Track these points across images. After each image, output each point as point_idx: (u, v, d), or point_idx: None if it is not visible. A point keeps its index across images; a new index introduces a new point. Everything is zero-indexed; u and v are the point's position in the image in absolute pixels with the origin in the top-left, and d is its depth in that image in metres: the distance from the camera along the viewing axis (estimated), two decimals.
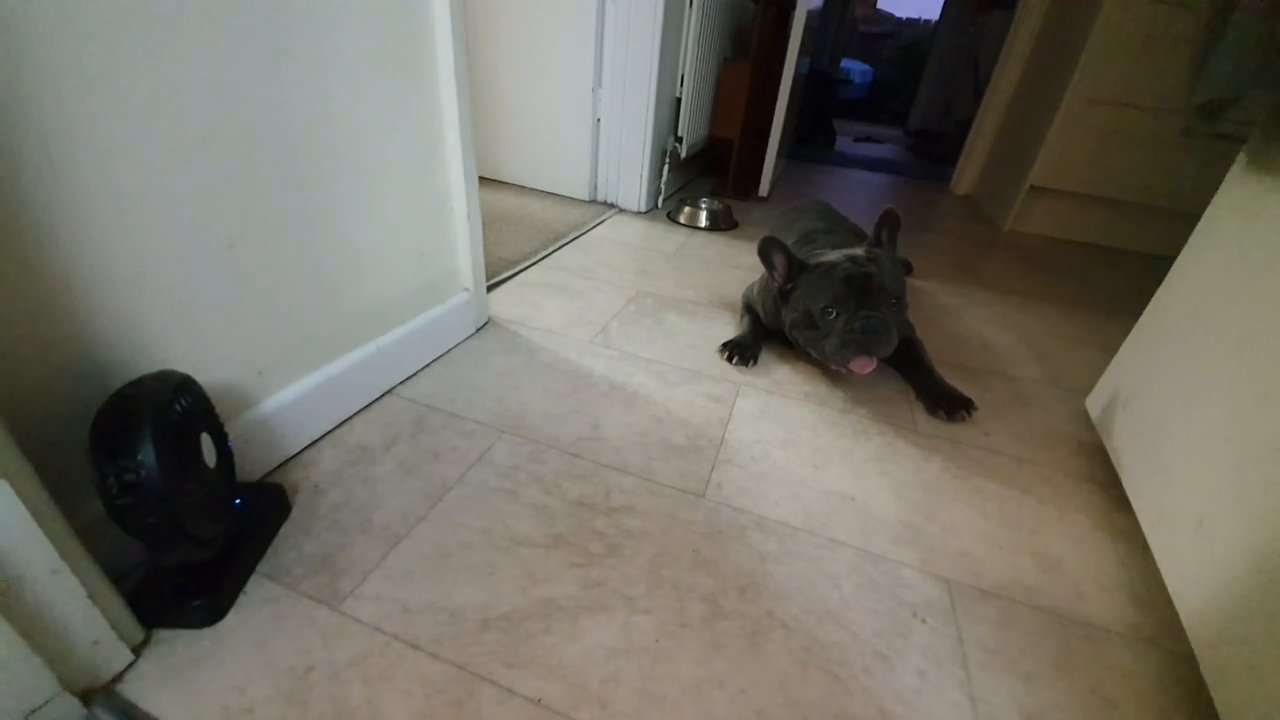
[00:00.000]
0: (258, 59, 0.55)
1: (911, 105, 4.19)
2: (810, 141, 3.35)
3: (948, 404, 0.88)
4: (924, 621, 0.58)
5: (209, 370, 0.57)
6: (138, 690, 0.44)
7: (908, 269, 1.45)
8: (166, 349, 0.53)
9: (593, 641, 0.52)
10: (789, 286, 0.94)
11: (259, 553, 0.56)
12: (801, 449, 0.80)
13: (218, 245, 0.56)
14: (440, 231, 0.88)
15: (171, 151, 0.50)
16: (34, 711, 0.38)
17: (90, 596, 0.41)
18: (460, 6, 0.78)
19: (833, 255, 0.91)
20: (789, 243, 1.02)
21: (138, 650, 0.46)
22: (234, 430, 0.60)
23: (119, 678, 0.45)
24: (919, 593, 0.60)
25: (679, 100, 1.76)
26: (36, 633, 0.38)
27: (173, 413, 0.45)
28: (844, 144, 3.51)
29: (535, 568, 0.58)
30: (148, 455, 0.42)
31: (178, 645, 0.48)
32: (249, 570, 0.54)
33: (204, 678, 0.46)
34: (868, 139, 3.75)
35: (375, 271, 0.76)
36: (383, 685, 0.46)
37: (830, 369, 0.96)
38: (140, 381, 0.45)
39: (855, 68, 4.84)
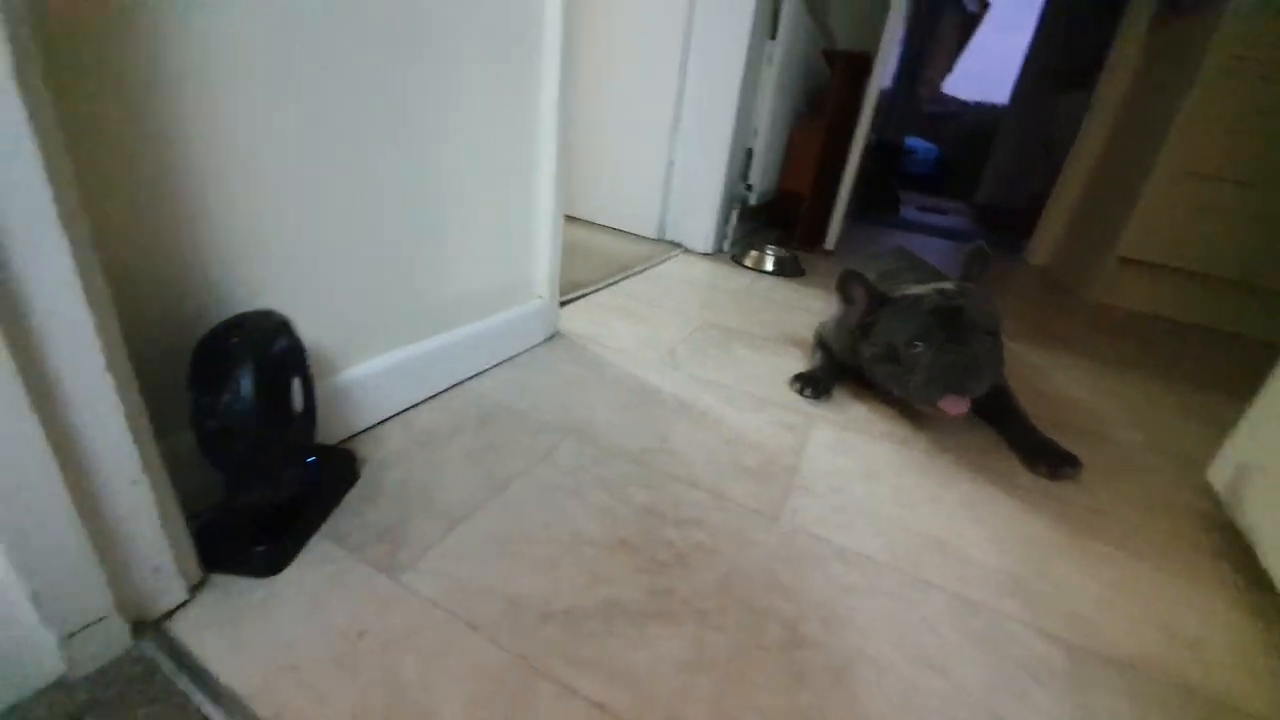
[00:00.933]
0: (386, 54, 0.59)
1: (978, 181, 4.18)
2: (875, 207, 3.36)
3: (1049, 459, 0.80)
4: (1041, 684, 0.49)
5: (301, 328, 0.58)
6: (187, 630, 0.42)
7: None
8: (268, 296, 0.54)
9: (662, 651, 0.46)
10: (869, 320, 0.90)
11: (324, 514, 0.54)
12: (883, 485, 0.73)
13: (328, 209, 0.58)
14: (524, 237, 0.90)
15: (301, 118, 0.53)
16: (86, 627, 0.36)
17: (163, 519, 0.40)
18: (570, 29, 0.83)
19: (919, 288, 0.87)
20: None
21: (194, 590, 0.45)
22: (317, 393, 0.60)
23: (170, 614, 0.42)
24: (1031, 651, 0.52)
25: (750, 151, 1.81)
26: (106, 546, 0.36)
27: (273, 350, 0.45)
28: (909, 211, 3.50)
29: (599, 567, 0.54)
30: (245, 385, 0.42)
31: (233, 592, 0.46)
32: (313, 528, 0.52)
33: (254, 628, 0.43)
34: (933, 209, 3.74)
35: (460, 264, 0.78)
36: (436, 662, 0.42)
37: (915, 410, 0.90)
38: (245, 315, 0.46)
39: (920, 145, 4.91)
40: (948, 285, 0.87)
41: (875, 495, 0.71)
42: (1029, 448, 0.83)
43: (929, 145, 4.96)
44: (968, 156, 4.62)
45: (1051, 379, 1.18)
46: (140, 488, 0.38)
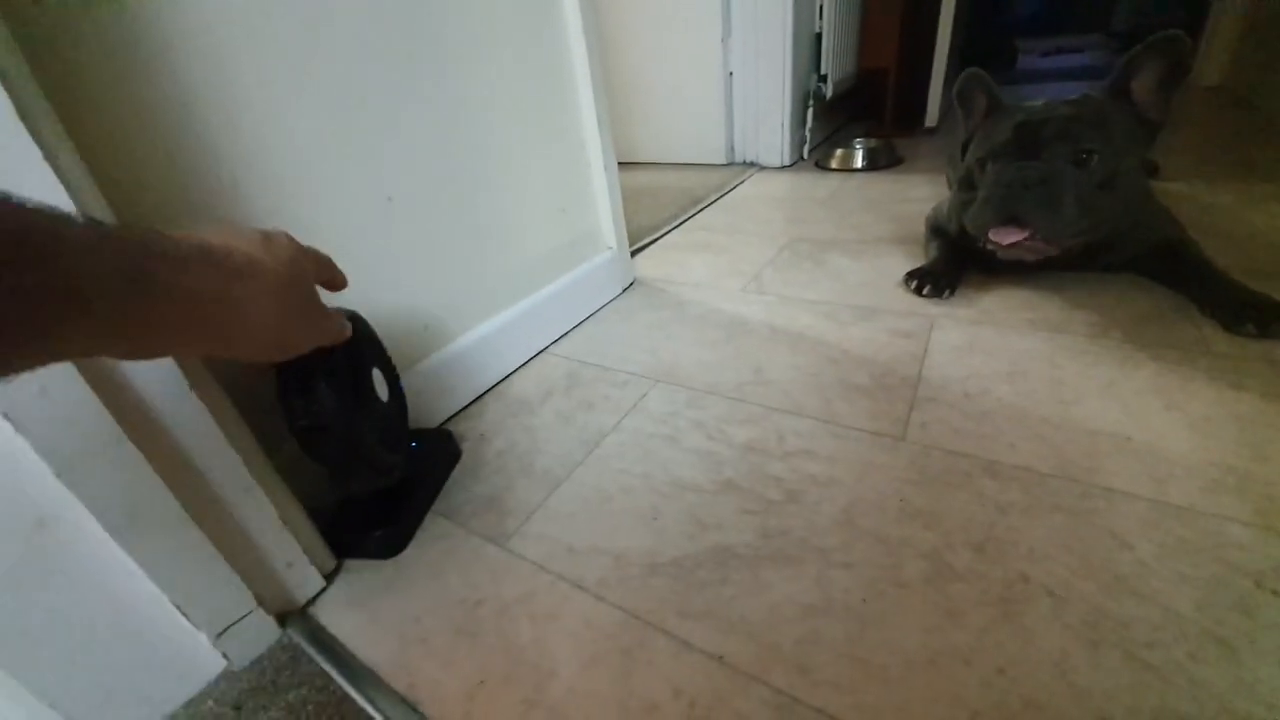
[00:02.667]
0: (408, 29, 0.55)
1: (1112, 3, 3.39)
2: (985, 64, 2.87)
3: (1258, 314, 0.63)
4: (1275, 593, 0.39)
5: (377, 321, 0.59)
6: (328, 614, 0.45)
7: (1152, 170, 1.12)
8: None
9: (780, 595, 0.43)
10: (971, 138, 0.76)
11: (434, 493, 0.56)
12: (1036, 382, 0.62)
13: (377, 197, 0.57)
14: (578, 187, 0.85)
15: (336, 105, 0.51)
16: (233, 625, 0.40)
17: (283, 519, 0.42)
18: None
19: (1037, 103, 0.71)
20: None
21: (330, 577, 0.48)
22: (406, 382, 0.61)
23: (312, 602, 0.46)
24: (1261, 556, 0.41)
25: (818, 36, 1.58)
26: (230, 548, 0.39)
27: (351, 344, 0.45)
28: (1027, 60, 2.95)
29: (704, 513, 0.50)
30: (321, 384, 0.42)
31: (365, 574, 0.49)
32: (426, 508, 0.54)
33: (385, 606, 0.45)
34: (1058, 50, 3.12)
35: (521, 229, 0.76)
36: (550, 624, 0.42)
37: (1053, 286, 0.75)
38: None
39: None
40: (1074, 98, 0.69)
41: (1027, 395, 0.60)
42: (1227, 304, 0.66)
43: None
44: None
45: (1244, 219, 0.93)
46: (254, 494, 0.40)
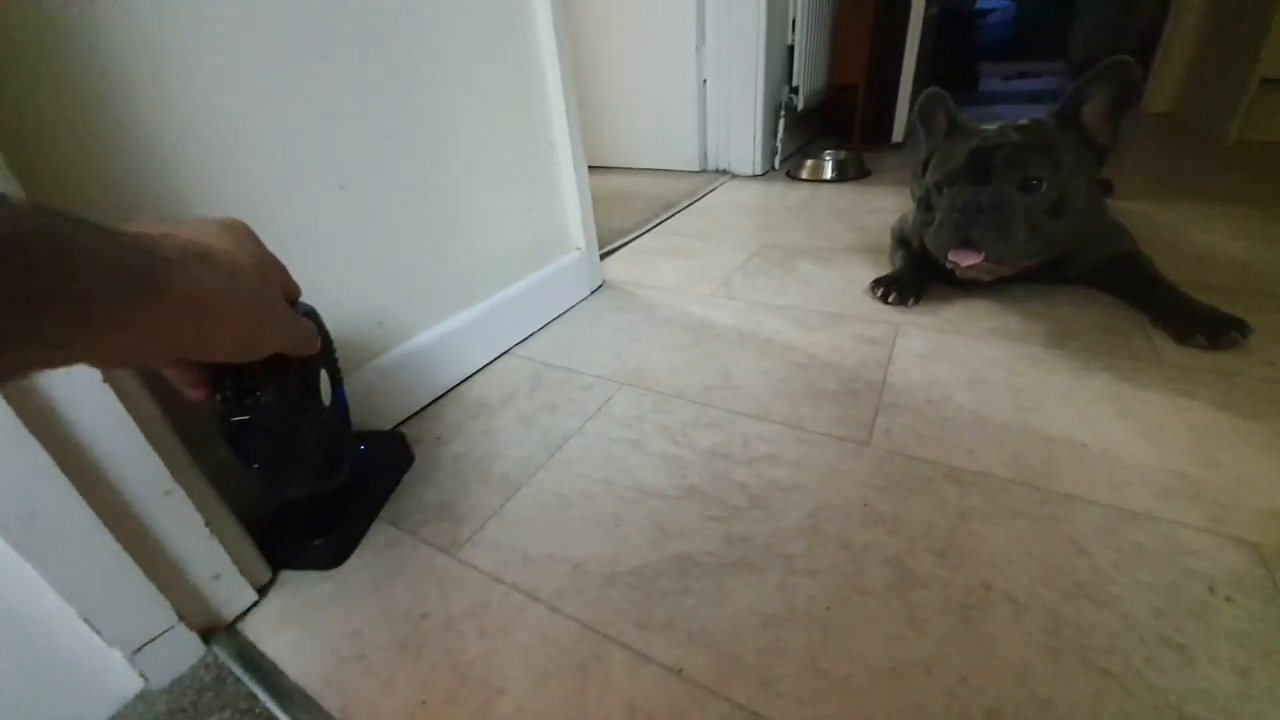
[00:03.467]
0: (371, 9, 0.53)
1: (1069, 33, 3.55)
2: (950, 86, 2.96)
3: (1208, 326, 0.65)
4: (1229, 600, 0.39)
5: (329, 315, 0.55)
6: (258, 631, 0.42)
7: (1105, 189, 1.16)
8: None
9: (742, 604, 0.41)
10: (928, 158, 0.78)
11: (382, 499, 0.53)
12: (996, 390, 0.62)
13: (328, 183, 0.54)
14: (546, 185, 0.84)
15: (291, 87, 0.49)
16: (150, 642, 0.36)
17: (209, 525, 0.39)
18: None
19: (992, 125, 0.73)
20: None
21: (264, 590, 0.45)
22: (358, 380, 0.59)
23: (242, 617, 0.43)
24: (1214, 562, 0.42)
25: (791, 48, 1.61)
26: (148, 557, 0.36)
27: None
28: (989, 84, 3.06)
29: (666, 520, 0.49)
30: (261, 376, 0.39)
31: (303, 586, 0.45)
32: (372, 515, 0.51)
33: (322, 621, 0.42)
34: (1020, 75, 3.25)
35: (485, 225, 0.73)
36: (500, 638, 0.40)
37: (1014, 297, 0.76)
38: None
39: (992, 4, 4.23)
40: (1024, 122, 0.71)
41: (988, 402, 0.60)
42: (1178, 317, 0.68)
43: (1004, 2, 4.27)
44: (1053, 6, 3.93)
45: (1192, 236, 0.97)
46: (175, 498, 0.37)
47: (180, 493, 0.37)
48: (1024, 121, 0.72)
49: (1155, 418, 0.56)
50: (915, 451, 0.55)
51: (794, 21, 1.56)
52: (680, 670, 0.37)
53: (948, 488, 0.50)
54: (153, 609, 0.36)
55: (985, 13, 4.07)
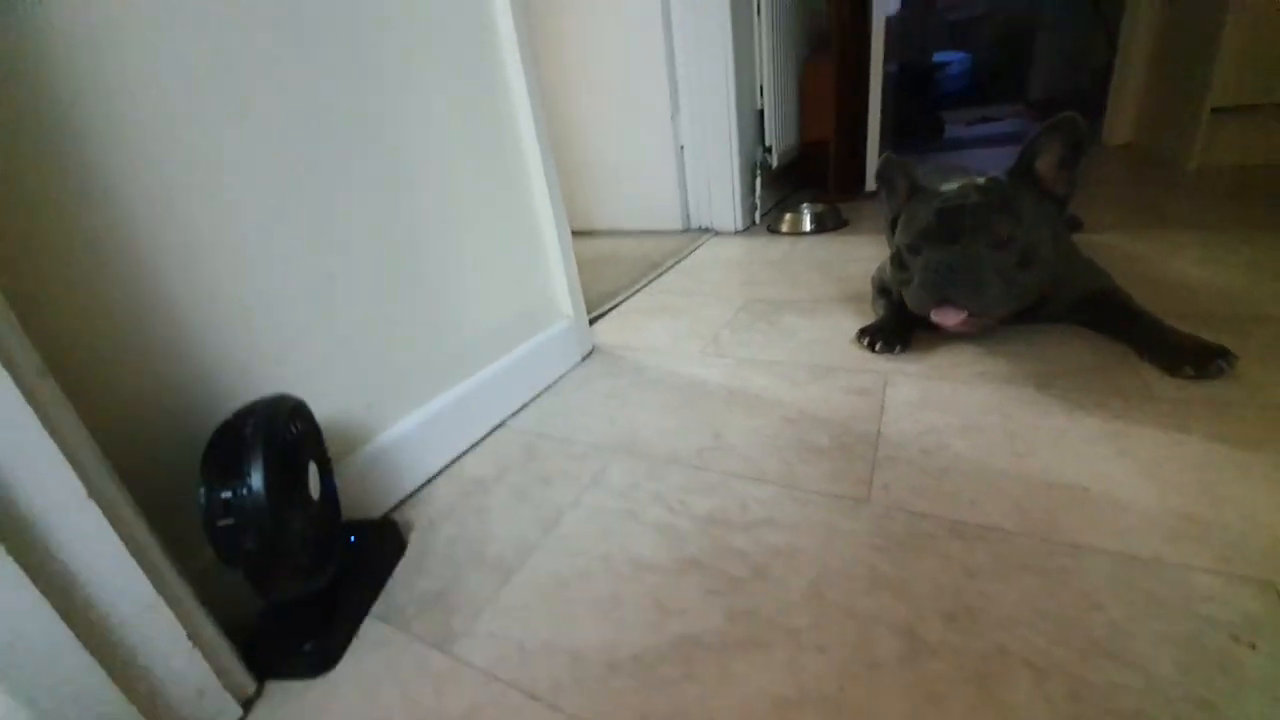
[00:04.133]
0: (352, 103, 0.56)
1: (1026, 77, 3.76)
2: (917, 136, 3.10)
3: (1195, 356, 0.65)
4: (1252, 647, 0.38)
5: (317, 402, 0.55)
6: None
7: (1075, 225, 1.20)
8: (275, 381, 0.53)
9: (751, 689, 0.39)
10: (897, 218, 0.80)
11: (373, 593, 0.51)
12: (991, 435, 0.62)
13: (319, 275, 0.56)
14: (532, 256, 0.86)
15: (272, 182, 0.51)
16: None
17: (192, 638, 0.38)
18: (525, 37, 0.78)
19: (953, 183, 0.76)
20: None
21: (248, 704, 0.42)
22: (350, 466, 0.58)
23: None
24: (1230, 606, 0.40)
25: (761, 112, 1.69)
26: (129, 676, 0.34)
27: (285, 435, 0.43)
28: (955, 130, 3.21)
29: (666, 597, 0.47)
30: (255, 476, 0.39)
31: (290, 696, 0.43)
32: (363, 613, 0.49)
33: None
34: (983, 120, 3.41)
35: (472, 302, 0.75)
36: None
37: (1003, 341, 0.77)
38: (257, 402, 0.44)
39: (949, 58, 4.50)
40: (981, 181, 0.74)
41: (984, 449, 0.60)
42: (1164, 348, 0.69)
43: (960, 55, 4.54)
44: (1008, 54, 4.18)
45: (1166, 266, 0.99)
46: (157, 611, 0.36)
47: (163, 605, 0.36)
48: (982, 180, 0.75)
49: (1153, 454, 0.56)
50: (916, 506, 0.54)
51: (761, 87, 1.66)
52: None
53: (952, 544, 0.49)
54: None
55: (943, 65, 4.31)
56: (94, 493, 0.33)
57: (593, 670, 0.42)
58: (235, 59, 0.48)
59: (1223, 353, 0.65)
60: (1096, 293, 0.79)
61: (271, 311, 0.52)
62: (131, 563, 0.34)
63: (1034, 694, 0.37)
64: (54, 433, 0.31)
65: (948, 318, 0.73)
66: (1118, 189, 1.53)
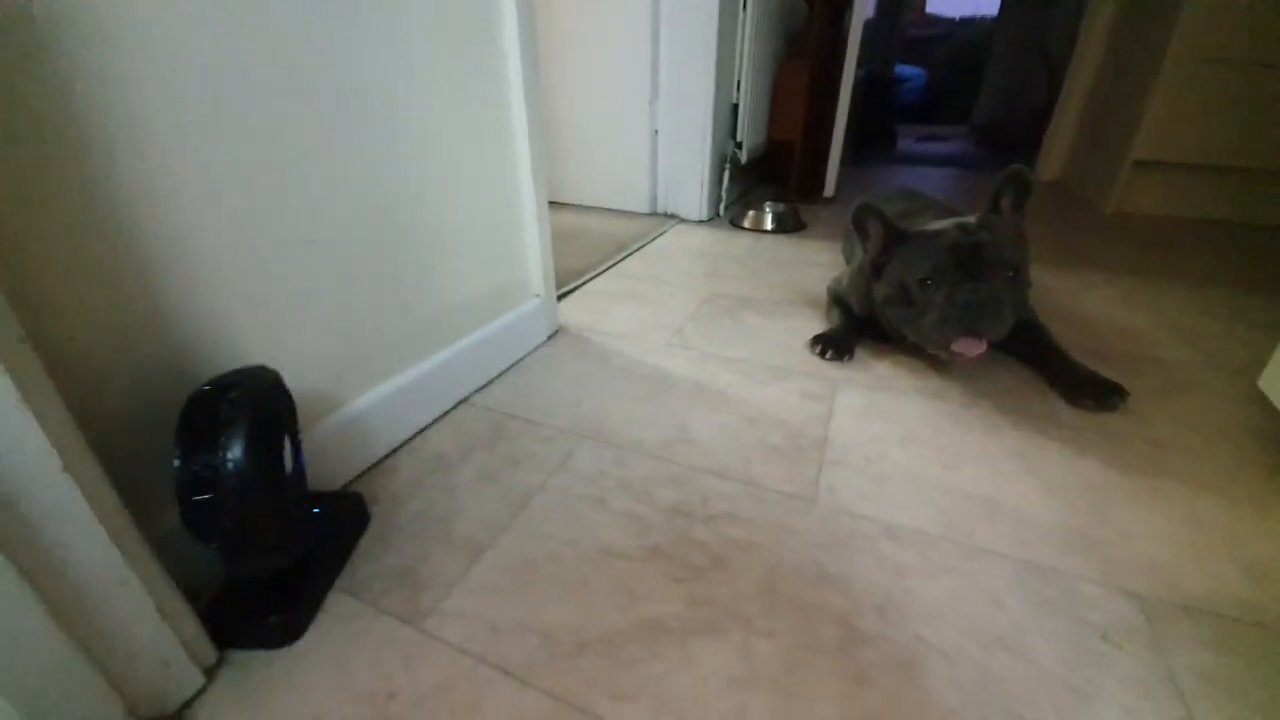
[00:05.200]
0: (334, 55, 0.53)
1: (975, 101, 3.98)
2: (871, 145, 3.23)
3: (1094, 390, 0.75)
4: (1120, 647, 0.46)
5: (288, 371, 0.54)
6: (207, 718, 0.40)
7: None
8: (247, 348, 0.51)
9: (709, 669, 0.43)
10: (884, 260, 0.85)
11: (338, 566, 0.51)
12: (924, 447, 0.69)
13: (297, 240, 0.53)
14: (510, 235, 0.85)
15: (248, 145, 0.48)
16: None
17: (160, 612, 0.37)
18: (528, 15, 0.76)
19: (939, 224, 0.81)
20: None
21: (210, 673, 0.42)
22: (315, 436, 0.57)
23: (189, 704, 0.40)
24: (1106, 611, 0.48)
25: (736, 106, 1.71)
26: (101, 651, 0.34)
27: (269, 410, 0.42)
28: (906, 144, 3.36)
29: (633, 583, 0.51)
30: (237, 450, 0.38)
31: (253, 667, 0.43)
32: (328, 585, 0.50)
33: (278, 704, 0.41)
34: (930, 137, 3.59)
35: (448, 275, 0.74)
36: (471, 717, 0.40)
37: (935, 357, 0.85)
38: (240, 373, 0.42)
39: (906, 72, 4.67)
40: (970, 220, 0.80)
41: (916, 459, 0.67)
42: (1070, 382, 0.78)
43: (916, 71, 4.73)
44: (960, 77, 4.39)
45: (1080, 302, 1.12)
46: (129, 587, 0.35)
47: (135, 580, 0.35)
48: (972, 220, 0.80)
49: (1055, 475, 0.64)
50: (857, 509, 0.59)
51: (739, 82, 1.67)
52: None
53: (886, 544, 0.55)
54: (98, 705, 0.34)
55: (902, 79, 4.47)
56: (69, 466, 0.31)
57: (562, 649, 0.45)
58: (213, 4, 0.44)
59: (1118, 390, 0.75)
60: (1024, 325, 0.88)
61: (245, 275, 0.50)
62: (105, 537, 0.33)
63: (946, 679, 0.43)
64: (31, 403, 0.30)
65: (971, 348, 0.75)
66: (1043, 224, 1.68)
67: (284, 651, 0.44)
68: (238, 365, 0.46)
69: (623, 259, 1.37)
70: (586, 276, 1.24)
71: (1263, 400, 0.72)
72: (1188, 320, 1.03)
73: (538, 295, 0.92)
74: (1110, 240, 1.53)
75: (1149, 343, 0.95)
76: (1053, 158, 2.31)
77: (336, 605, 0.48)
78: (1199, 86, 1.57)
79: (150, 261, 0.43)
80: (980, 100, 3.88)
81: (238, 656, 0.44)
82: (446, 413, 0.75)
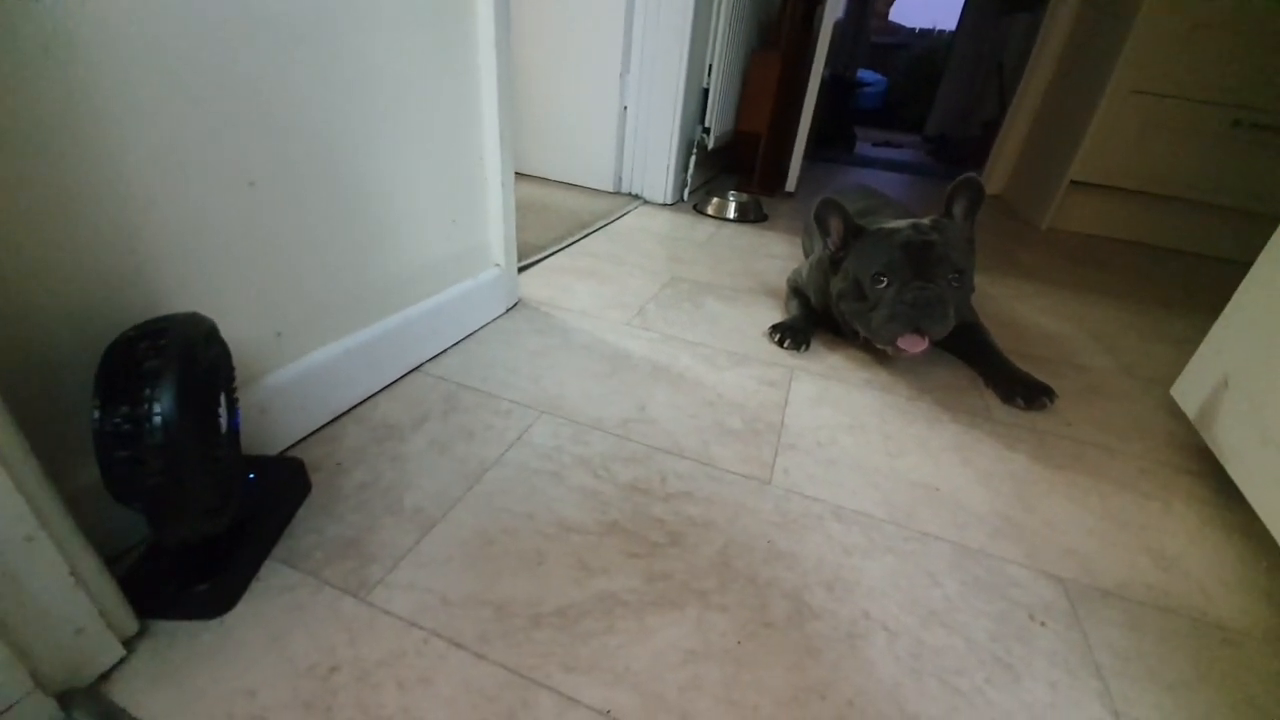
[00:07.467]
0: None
1: (929, 111, 4.14)
2: (830, 144, 3.30)
3: (1025, 391, 0.80)
4: (1044, 625, 0.49)
5: (223, 323, 0.50)
6: (127, 691, 0.37)
7: None
8: (179, 294, 0.46)
9: (664, 642, 0.44)
10: (841, 255, 0.87)
11: (275, 534, 0.48)
12: (871, 435, 0.72)
13: (237, 180, 0.49)
14: (472, 200, 0.82)
15: (181, 68, 0.43)
16: (2, 714, 0.30)
17: (74, 574, 0.34)
18: None
19: (897, 223, 0.84)
20: None
21: (130, 644, 0.39)
22: (250, 397, 0.53)
23: (106, 676, 0.37)
24: (1032, 593, 0.52)
25: (706, 91, 1.71)
26: (5, 615, 0.30)
27: (202, 360, 0.38)
28: (863, 148, 3.46)
29: (590, 557, 0.50)
30: (167, 402, 0.35)
31: (178, 639, 0.40)
32: (263, 554, 0.47)
33: (207, 678, 0.38)
34: (886, 143, 3.71)
35: (404, 235, 0.70)
36: (421, 690, 0.38)
37: (883, 351, 0.88)
38: (169, 319, 0.38)
39: (868, 77, 4.80)
40: (925, 221, 0.83)
41: (864, 446, 0.69)
42: (1003, 381, 0.83)
43: (878, 77, 4.87)
44: (917, 87, 4.56)
45: (1015, 309, 1.19)
46: (37, 544, 0.31)
47: (44, 537, 0.31)
48: (928, 221, 0.83)
49: (987, 466, 0.68)
50: (809, 491, 0.61)
51: (710, 67, 1.67)
52: (608, 711, 0.39)
53: (834, 525, 0.57)
54: (7, 675, 0.30)
55: (864, 83, 4.59)
56: None
57: (518, 622, 0.44)
58: None
59: (1047, 390, 0.80)
60: (965, 326, 0.93)
61: (178, 212, 0.45)
62: (10, 488, 0.30)
63: (887, 651, 0.45)
64: None
65: (914, 345, 0.79)
66: (981, 235, 1.77)
67: (214, 623, 0.41)
68: (170, 312, 0.42)
69: (585, 236, 1.35)
70: (548, 251, 1.21)
71: (1173, 407, 0.79)
72: (1110, 332, 1.12)
73: (498, 265, 0.89)
74: (1043, 253, 1.63)
75: (1074, 350, 1.02)
76: (997, 172, 2.43)
77: (273, 576, 0.46)
78: (1135, 115, 1.69)
79: (68, 189, 0.38)
80: (934, 111, 4.04)
81: (162, 627, 0.41)
82: (397, 380, 0.72)
